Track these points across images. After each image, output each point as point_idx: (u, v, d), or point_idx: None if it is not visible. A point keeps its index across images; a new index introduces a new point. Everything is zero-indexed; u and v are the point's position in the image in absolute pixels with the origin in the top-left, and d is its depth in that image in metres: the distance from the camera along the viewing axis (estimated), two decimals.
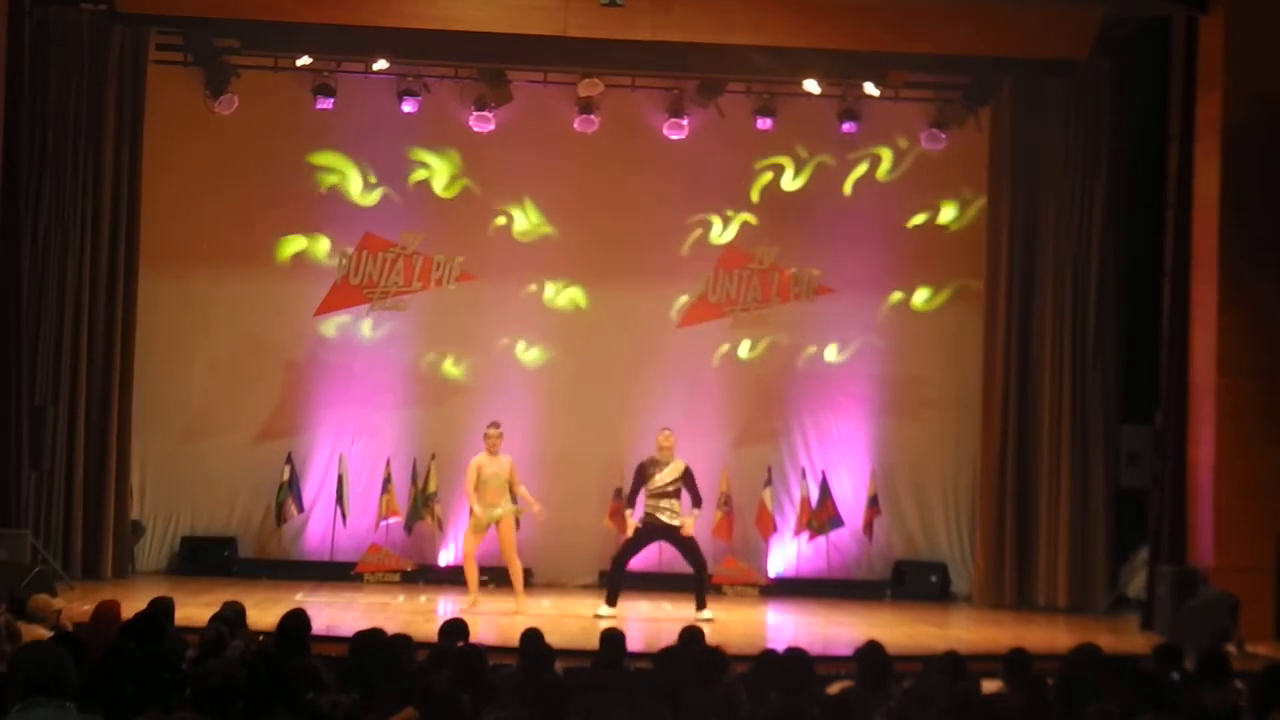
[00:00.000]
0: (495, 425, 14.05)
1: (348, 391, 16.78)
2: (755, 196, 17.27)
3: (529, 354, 17.11)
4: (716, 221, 17.27)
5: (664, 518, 13.88)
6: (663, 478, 13.94)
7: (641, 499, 14.05)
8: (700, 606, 13.70)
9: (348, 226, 16.98)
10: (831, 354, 17.26)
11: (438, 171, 17.12)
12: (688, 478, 14.05)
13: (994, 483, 16.21)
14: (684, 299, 17.21)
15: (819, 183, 17.31)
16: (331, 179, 16.97)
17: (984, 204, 16.73)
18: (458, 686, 6.39)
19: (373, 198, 17.01)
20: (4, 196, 14.25)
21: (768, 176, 17.28)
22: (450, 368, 17.04)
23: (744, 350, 17.25)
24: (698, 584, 13.94)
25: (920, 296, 17.24)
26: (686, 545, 14.00)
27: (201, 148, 16.59)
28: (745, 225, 17.27)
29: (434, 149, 17.08)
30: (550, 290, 17.17)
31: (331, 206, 16.98)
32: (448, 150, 17.08)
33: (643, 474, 14.03)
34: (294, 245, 16.92)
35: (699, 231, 17.26)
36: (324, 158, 16.95)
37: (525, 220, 17.15)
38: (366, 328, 16.98)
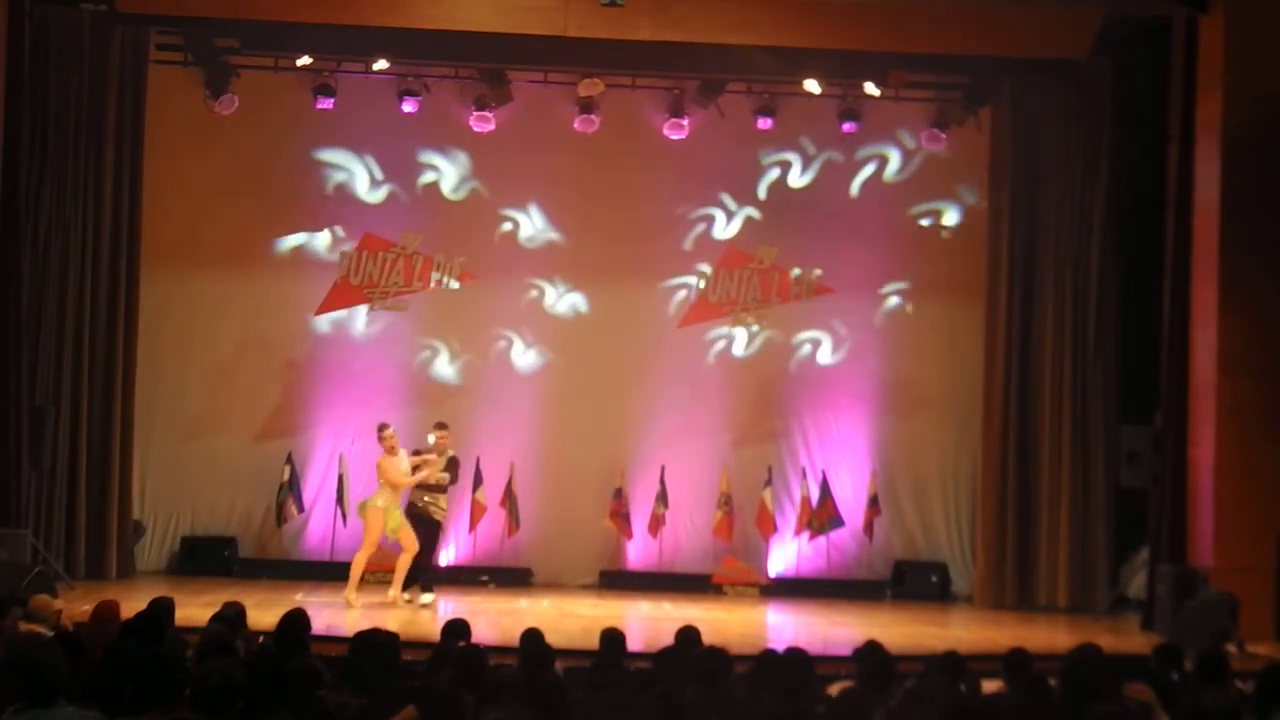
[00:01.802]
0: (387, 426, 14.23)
1: (348, 391, 16.78)
2: (755, 196, 17.28)
3: (529, 354, 17.11)
4: (717, 222, 17.28)
5: (434, 513, 14.11)
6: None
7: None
8: (423, 590, 14.05)
9: (348, 226, 16.99)
10: (831, 354, 17.26)
11: (438, 172, 17.12)
12: (450, 466, 14.21)
13: (994, 483, 16.21)
14: (684, 299, 17.21)
15: (819, 183, 17.32)
16: (332, 179, 16.98)
17: (984, 205, 16.73)
18: (458, 686, 6.39)
19: (373, 198, 17.02)
20: (4, 196, 14.26)
21: (768, 176, 17.29)
22: (450, 368, 17.05)
23: (744, 350, 17.25)
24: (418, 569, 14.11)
25: (920, 296, 17.24)
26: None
27: (202, 148, 16.60)
28: (745, 225, 17.28)
29: (434, 149, 17.08)
30: (550, 290, 17.18)
31: (331, 207, 16.99)
32: (448, 151, 17.09)
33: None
34: (294, 245, 16.94)
35: (699, 231, 17.26)
36: (324, 158, 16.96)
37: (525, 221, 17.15)
38: (366, 328, 16.99)
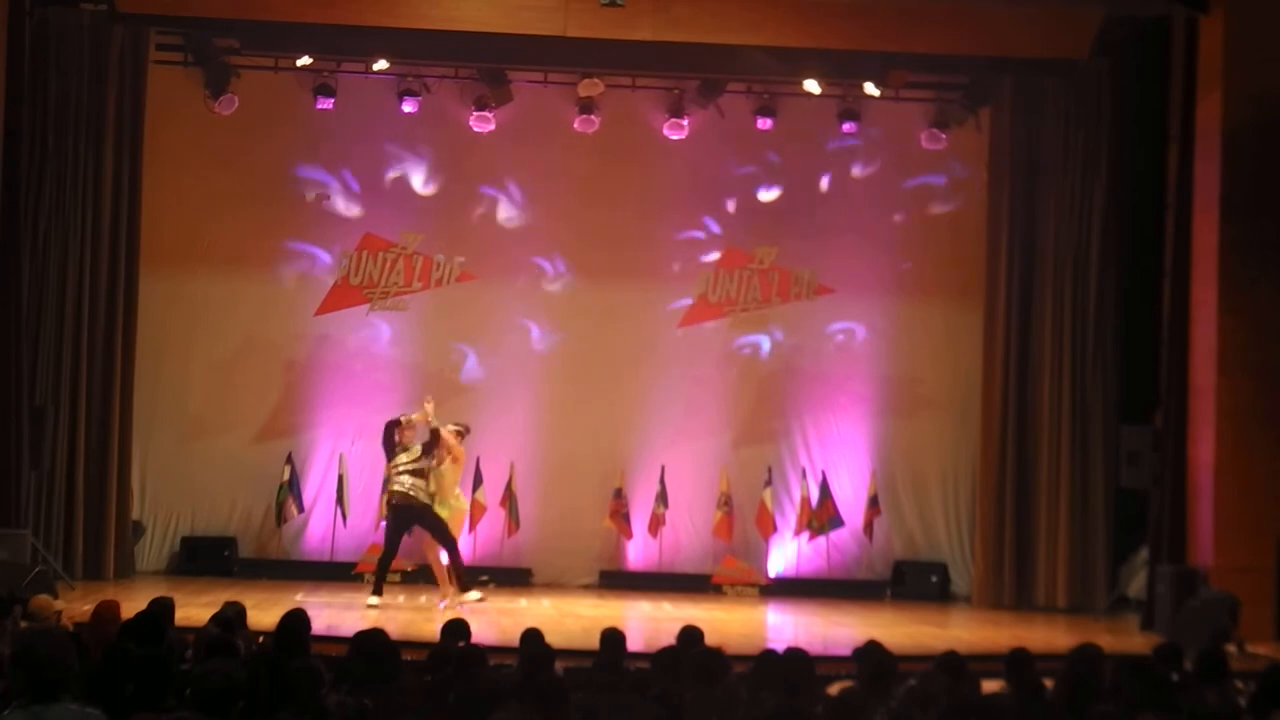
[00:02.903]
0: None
1: (348, 391, 16.78)
2: (756, 196, 17.28)
3: (529, 354, 17.11)
4: (716, 222, 17.27)
5: (419, 495, 13.83)
6: (408, 456, 13.90)
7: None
8: (464, 589, 13.80)
9: (348, 226, 16.99)
10: (831, 354, 17.25)
11: (438, 172, 17.12)
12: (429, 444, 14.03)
13: (994, 483, 16.21)
14: (684, 299, 17.21)
15: (819, 183, 17.31)
16: (331, 180, 16.98)
17: (984, 205, 16.72)
18: (457, 687, 6.39)
19: (373, 198, 17.01)
20: (4, 196, 14.27)
21: (768, 177, 17.28)
22: (450, 368, 17.04)
23: (744, 350, 17.25)
24: (454, 566, 13.92)
25: (920, 296, 17.24)
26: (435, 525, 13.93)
27: (202, 148, 16.60)
28: (746, 225, 17.27)
29: (435, 149, 17.07)
30: (550, 291, 17.18)
31: (332, 206, 16.98)
32: (448, 151, 17.08)
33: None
34: (294, 245, 16.94)
35: (699, 232, 17.26)
36: (325, 158, 16.96)
37: (526, 221, 17.15)
38: (367, 328, 16.98)
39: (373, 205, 17.02)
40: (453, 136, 16.96)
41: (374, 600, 13.65)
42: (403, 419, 14.14)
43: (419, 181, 17.10)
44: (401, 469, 13.89)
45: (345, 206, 17.00)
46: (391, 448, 13.97)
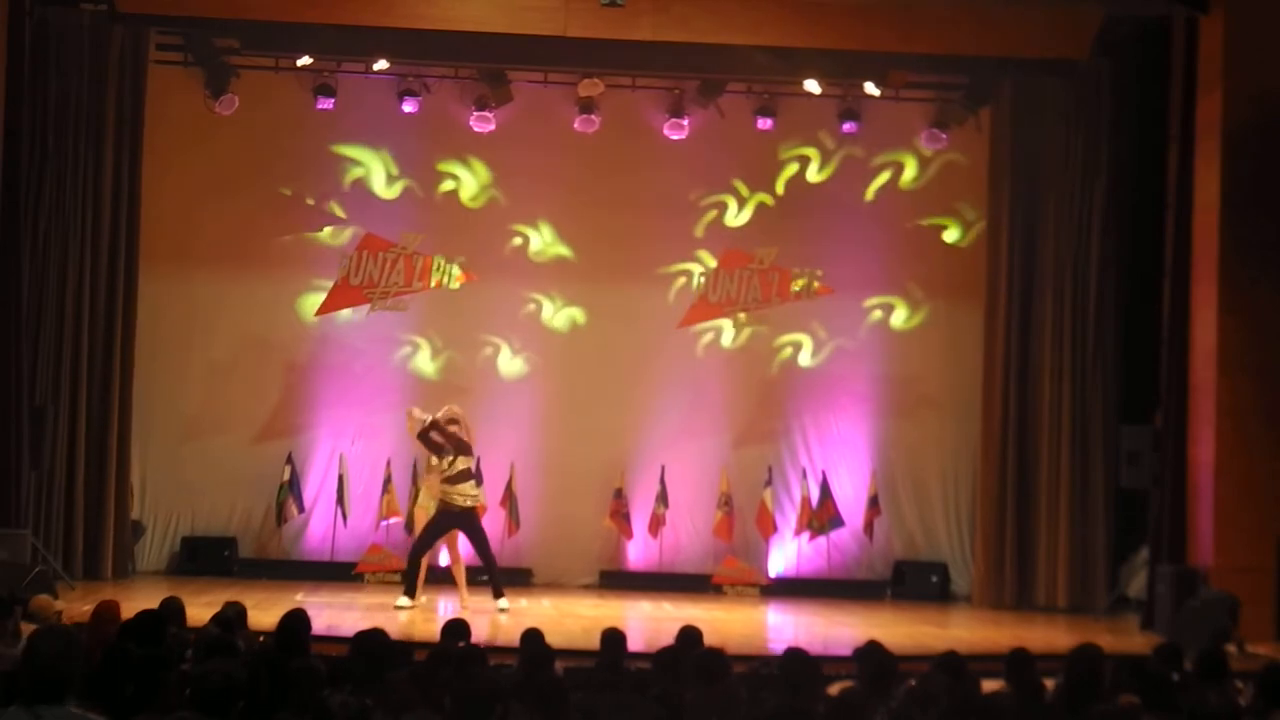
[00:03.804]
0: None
1: (348, 392, 16.78)
2: (755, 197, 17.28)
3: (529, 354, 17.11)
4: (716, 222, 17.28)
5: (458, 501, 13.66)
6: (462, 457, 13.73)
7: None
8: (497, 595, 13.61)
9: (348, 226, 16.99)
10: (831, 354, 17.26)
11: (438, 172, 17.12)
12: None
13: (994, 483, 16.21)
14: (684, 299, 17.20)
15: (819, 183, 17.31)
16: (332, 180, 16.97)
17: (984, 205, 16.72)
18: (457, 687, 6.38)
19: (373, 198, 17.02)
20: (4, 196, 14.27)
21: (768, 177, 17.29)
22: (450, 368, 17.04)
23: (744, 350, 17.25)
24: (489, 574, 13.81)
25: (920, 296, 17.25)
26: (477, 532, 13.83)
27: (201, 148, 16.60)
28: (745, 225, 17.28)
29: (435, 150, 17.08)
30: (550, 290, 17.17)
31: (331, 207, 16.97)
32: (449, 151, 17.09)
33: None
34: (294, 246, 16.94)
35: (699, 232, 17.26)
36: (324, 159, 16.96)
37: (525, 221, 17.15)
38: (367, 328, 16.98)
39: (372, 205, 17.02)
40: (453, 137, 16.95)
41: (405, 602, 13.48)
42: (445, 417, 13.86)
43: (420, 182, 17.10)
44: (458, 470, 13.67)
45: (345, 207, 16.99)
46: (439, 446, 13.76)
